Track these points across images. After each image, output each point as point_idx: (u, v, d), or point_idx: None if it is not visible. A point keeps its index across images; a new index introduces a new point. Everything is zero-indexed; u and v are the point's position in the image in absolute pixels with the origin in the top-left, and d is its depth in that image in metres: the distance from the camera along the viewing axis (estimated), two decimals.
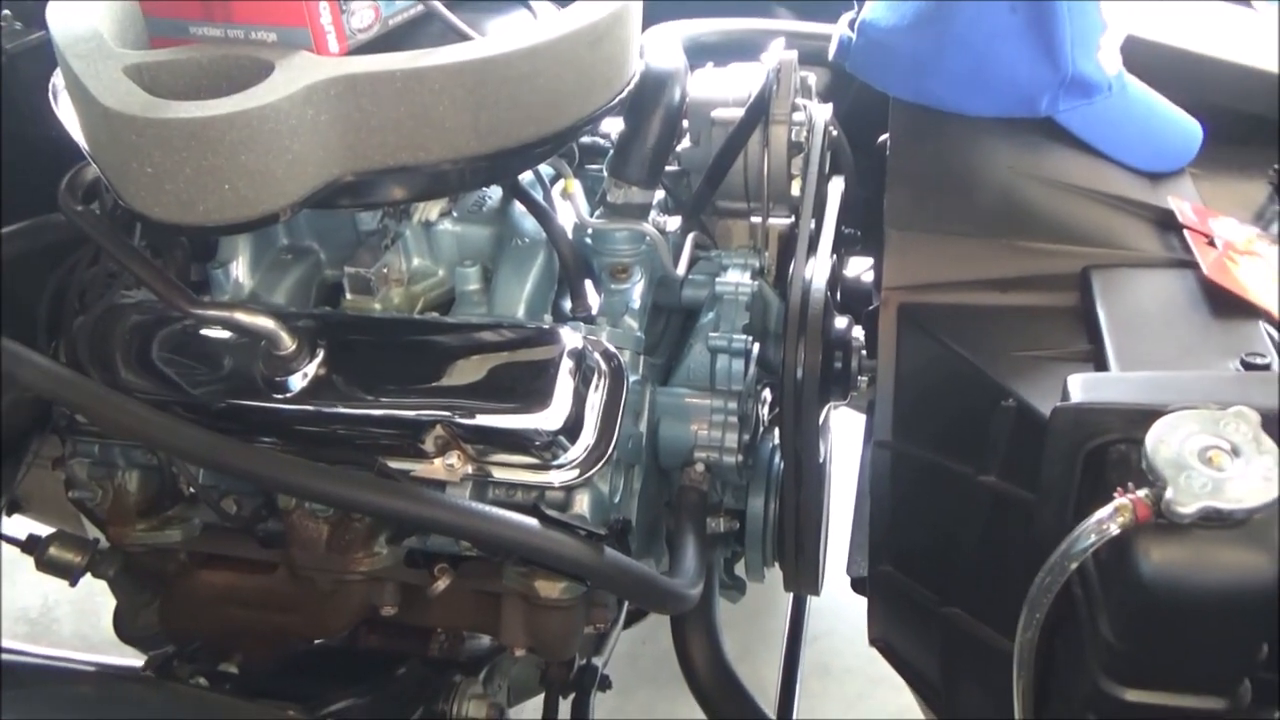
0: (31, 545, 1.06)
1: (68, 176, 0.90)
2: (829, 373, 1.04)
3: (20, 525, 1.26)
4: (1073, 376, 0.59)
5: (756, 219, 1.16)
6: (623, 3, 0.90)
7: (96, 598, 1.69)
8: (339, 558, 0.92)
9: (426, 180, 0.85)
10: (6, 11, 1.02)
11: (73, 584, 1.09)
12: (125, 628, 1.07)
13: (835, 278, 1.00)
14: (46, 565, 1.06)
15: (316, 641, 1.07)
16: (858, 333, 1.07)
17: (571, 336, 0.88)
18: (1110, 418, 0.57)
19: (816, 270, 1.00)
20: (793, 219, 1.15)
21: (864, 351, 1.04)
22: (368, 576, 0.94)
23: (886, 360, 0.77)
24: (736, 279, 1.05)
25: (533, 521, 0.77)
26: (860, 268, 1.24)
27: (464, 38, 0.84)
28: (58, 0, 0.86)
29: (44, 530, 1.12)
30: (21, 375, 0.84)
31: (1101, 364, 0.64)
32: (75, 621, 1.67)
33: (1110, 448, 0.57)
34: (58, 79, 0.91)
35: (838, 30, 1.00)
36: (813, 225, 1.06)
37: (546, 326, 0.91)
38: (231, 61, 0.78)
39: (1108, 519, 0.53)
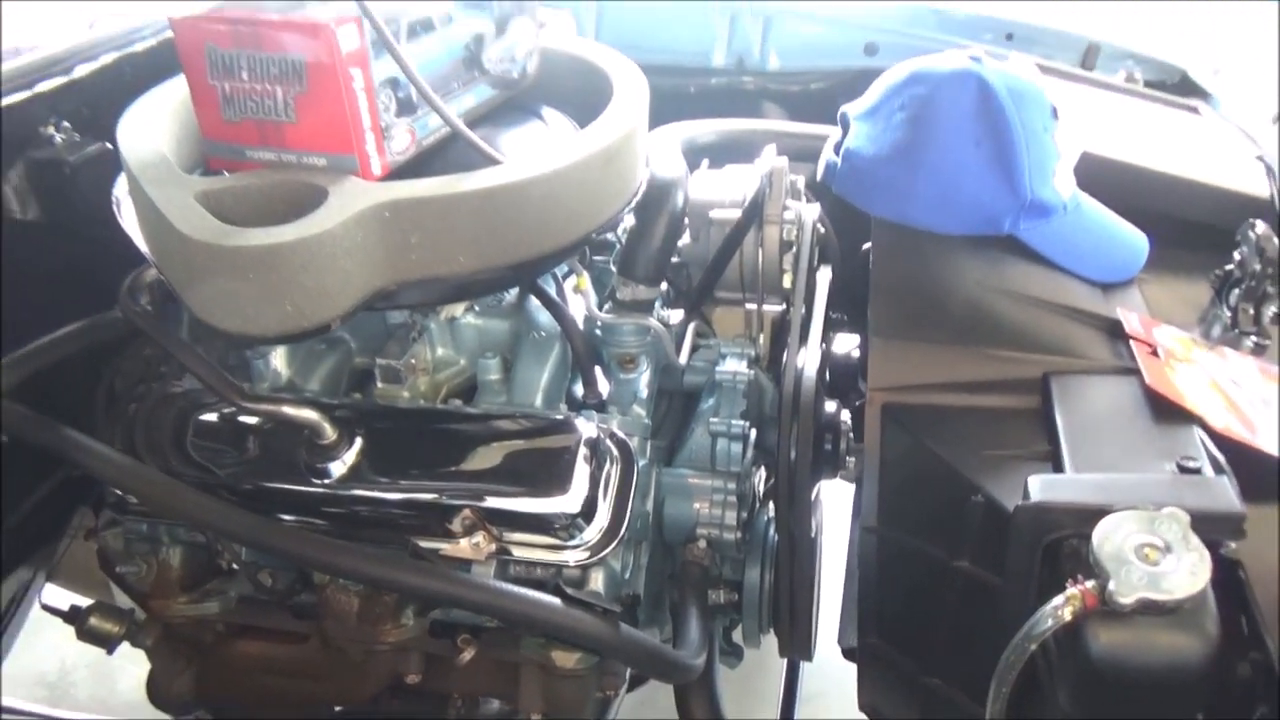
0: (73, 616, 1.13)
1: (129, 280, 0.99)
2: (820, 454, 1.13)
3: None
4: (1032, 477, 0.69)
5: (750, 306, 1.26)
6: (634, 123, 1.01)
7: (112, 662, 1.74)
8: (369, 629, 0.99)
9: (457, 287, 0.95)
10: (65, 124, 1.12)
11: (109, 652, 1.16)
12: (160, 694, 1.14)
13: (824, 358, 1.09)
14: (87, 635, 1.13)
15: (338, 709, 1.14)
16: (846, 417, 1.16)
17: (586, 426, 0.97)
18: (1064, 516, 0.66)
19: (808, 359, 1.10)
20: (784, 306, 1.26)
21: (851, 435, 1.14)
22: (395, 647, 1.02)
23: (872, 453, 0.86)
24: (734, 368, 1.15)
25: (555, 600, 0.86)
26: (848, 345, 1.33)
27: (491, 161, 0.94)
28: (126, 119, 0.96)
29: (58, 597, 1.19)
30: (88, 464, 0.92)
31: (1058, 464, 0.73)
32: (92, 685, 1.72)
33: (1065, 542, 0.66)
34: (121, 190, 1.00)
35: (824, 156, 1.10)
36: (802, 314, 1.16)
37: (563, 417, 1.00)
38: (288, 187, 0.87)
39: (1061, 606, 0.62)
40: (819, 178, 1.10)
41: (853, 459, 1.15)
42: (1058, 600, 0.62)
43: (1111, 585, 0.60)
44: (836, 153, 1.06)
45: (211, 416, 1.01)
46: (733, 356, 1.17)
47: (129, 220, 0.97)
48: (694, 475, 1.10)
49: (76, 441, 0.92)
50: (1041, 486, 0.68)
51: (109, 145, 1.10)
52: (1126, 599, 0.60)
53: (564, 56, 1.17)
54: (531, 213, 0.92)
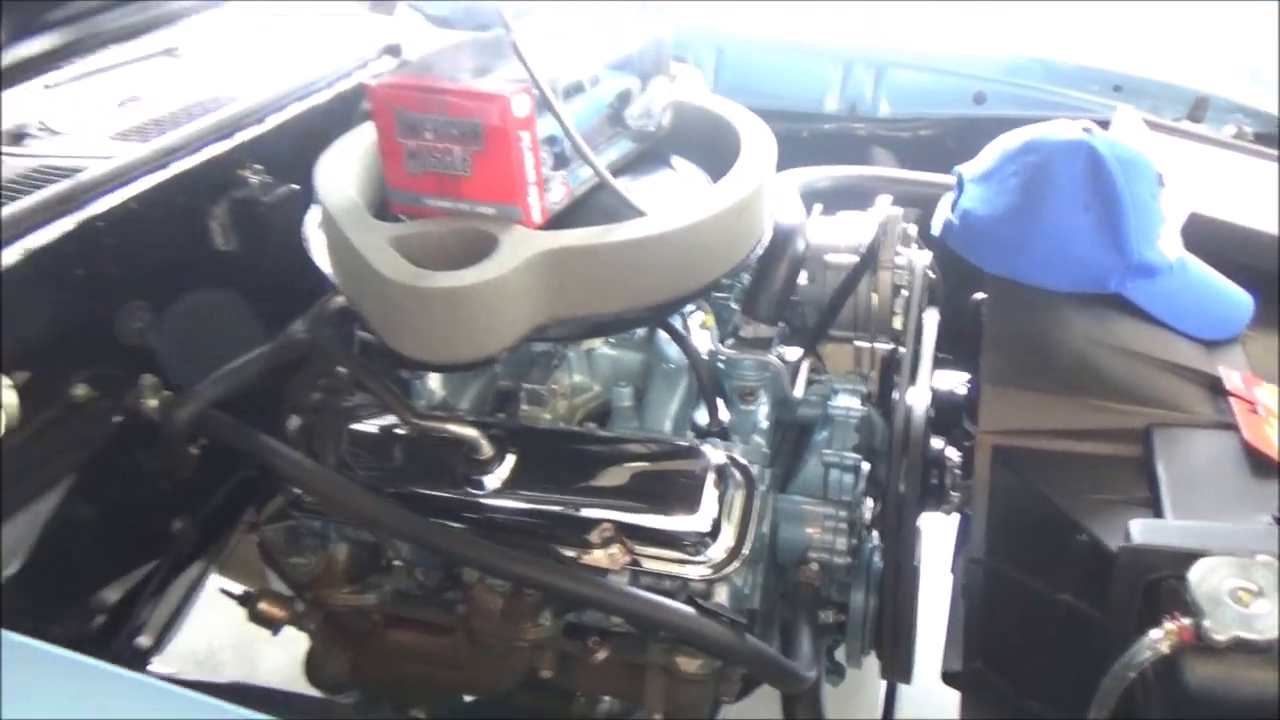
0: (245, 600, 1.28)
1: (316, 308, 1.13)
2: (926, 488, 1.21)
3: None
4: (1134, 521, 0.76)
5: (860, 344, 1.35)
6: (763, 178, 1.11)
7: (255, 644, 1.92)
8: (511, 626, 1.10)
9: (602, 325, 1.06)
10: (259, 167, 1.27)
11: (274, 633, 1.30)
12: (317, 673, 1.27)
13: (931, 396, 1.17)
14: (257, 617, 1.27)
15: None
16: (952, 453, 1.24)
17: (714, 453, 1.07)
18: (1164, 558, 0.73)
19: (917, 398, 1.18)
20: (892, 346, 1.34)
21: (958, 471, 1.21)
22: (532, 644, 1.13)
23: (980, 491, 0.94)
24: (847, 403, 1.24)
25: (689, 608, 0.96)
26: (952, 383, 1.40)
27: (636, 212, 1.05)
28: (322, 165, 1.10)
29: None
30: (280, 466, 1.06)
31: (1159, 510, 0.80)
32: (237, 664, 1.89)
33: (1163, 581, 0.73)
34: (311, 227, 1.14)
35: (939, 214, 1.19)
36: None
37: (693, 444, 1.10)
38: (464, 234, 1.00)
39: (1160, 639, 0.69)
40: (936, 234, 1.19)
41: (956, 494, 1.22)
42: (1156, 634, 0.69)
43: (1207, 623, 0.67)
44: (953, 211, 1.14)
45: (371, 428, 1.14)
46: (845, 393, 1.25)
47: (319, 254, 1.11)
48: (808, 502, 1.18)
49: (271, 447, 1.06)
50: (1143, 530, 0.75)
51: (295, 187, 1.25)
52: (1221, 636, 0.67)
53: (693, 109, 1.27)
54: (673, 260, 1.02)
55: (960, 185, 1.14)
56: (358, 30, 1.63)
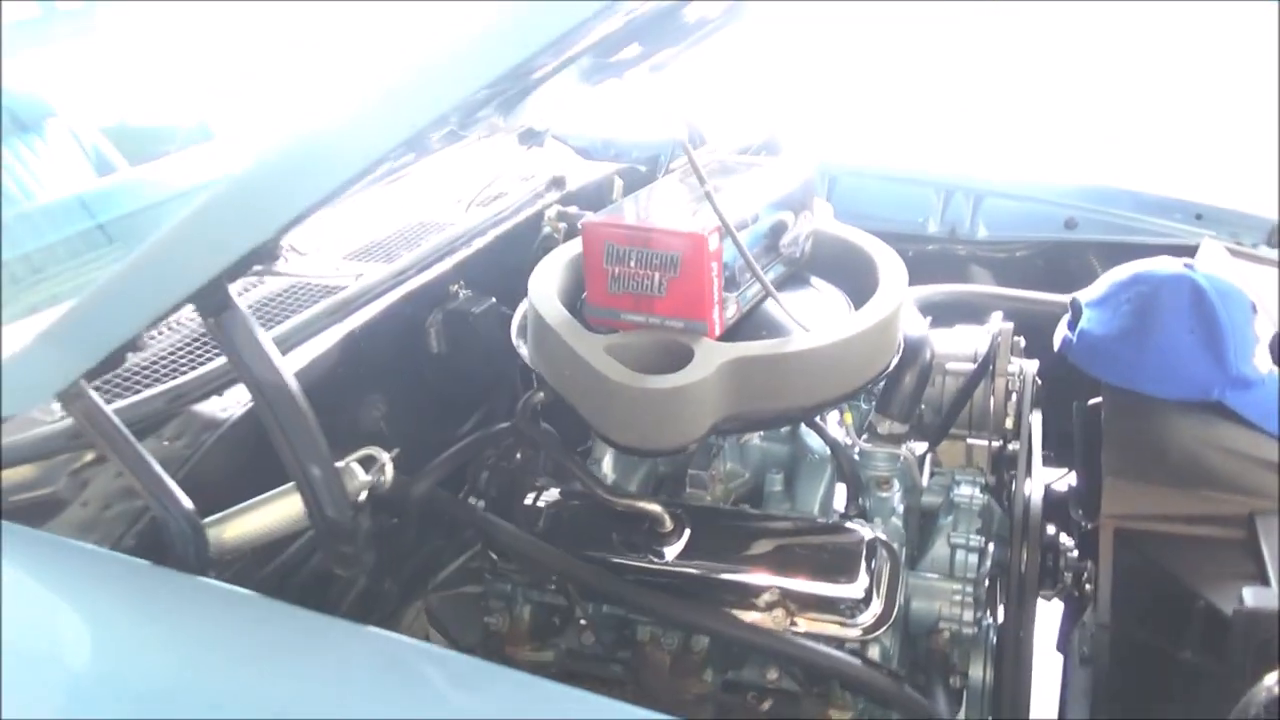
0: None
1: (522, 402, 1.35)
2: (1042, 569, 1.37)
3: None
4: (1247, 589, 0.92)
5: (972, 441, 1.53)
6: (900, 299, 1.32)
7: None
8: (678, 681, 1.27)
9: (770, 420, 1.26)
10: (462, 282, 1.52)
11: None
12: None
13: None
14: None
15: None
16: (1064, 539, 1.40)
17: (865, 530, 1.25)
18: (1273, 620, 0.89)
19: (1034, 488, 1.35)
20: (1002, 443, 1.51)
21: (1072, 553, 1.37)
22: (696, 697, 1.30)
23: (1105, 566, 1.10)
24: (970, 492, 1.41)
25: (855, 659, 1.12)
26: (1051, 477, 1.56)
27: (801, 327, 1.26)
28: (536, 281, 1.33)
29: None
30: (496, 536, 1.26)
31: (1264, 581, 0.95)
32: None
33: (1273, 640, 0.89)
34: (519, 329, 1.36)
35: (1060, 332, 1.38)
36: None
37: (845, 523, 1.28)
38: (662, 344, 1.21)
39: (1274, 685, 0.85)
40: (1056, 349, 1.38)
41: (1069, 573, 1.37)
42: (1271, 679, 0.85)
43: None
44: (1071, 330, 1.33)
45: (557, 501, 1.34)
46: (966, 483, 1.42)
47: (530, 356, 1.32)
48: (937, 579, 1.35)
49: (489, 519, 1.26)
50: (1254, 595, 0.91)
51: (494, 300, 1.49)
52: None
53: (830, 237, 1.49)
54: (833, 367, 1.22)
55: (1076, 308, 1.34)
56: (526, 163, 1.90)
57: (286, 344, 1.29)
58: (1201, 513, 1.06)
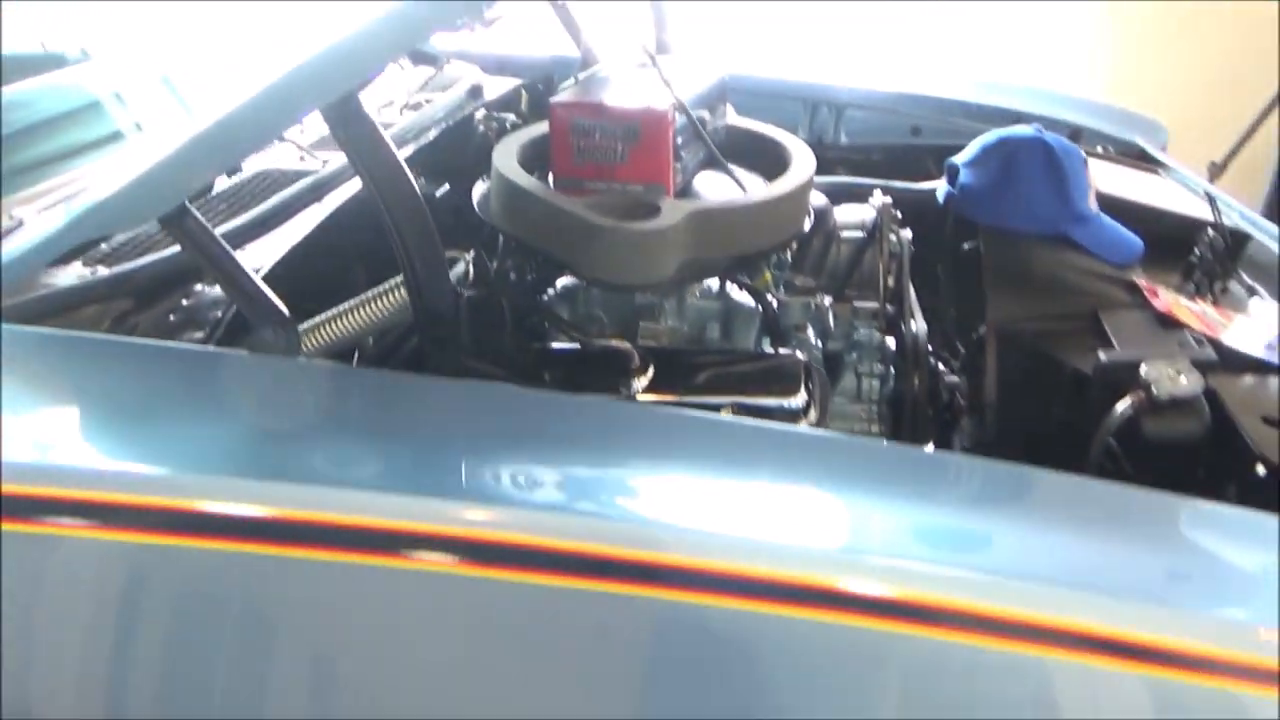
0: None
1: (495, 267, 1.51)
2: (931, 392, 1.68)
3: None
4: (1101, 352, 1.24)
5: (858, 303, 1.83)
6: (812, 169, 1.58)
7: None
8: None
9: (719, 265, 1.49)
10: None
11: None
12: None
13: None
14: None
15: None
16: (942, 366, 1.72)
17: (802, 357, 1.50)
18: (1122, 366, 1.21)
19: (918, 327, 1.65)
20: (883, 302, 1.82)
21: (950, 376, 1.69)
22: None
23: (991, 360, 1.41)
24: (869, 332, 1.70)
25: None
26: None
27: (740, 188, 1.49)
28: (500, 157, 1.48)
29: None
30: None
31: (1109, 348, 1.28)
32: None
33: (1122, 381, 1.21)
34: (480, 203, 1.52)
35: (941, 190, 1.69)
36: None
37: (785, 354, 1.53)
38: (630, 201, 1.41)
39: (1126, 406, 1.17)
40: (941, 202, 1.68)
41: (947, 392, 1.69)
42: (1123, 403, 1.17)
43: (1154, 390, 1.15)
44: (952, 185, 1.64)
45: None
46: (865, 328, 1.72)
47: (503, 221, 1.48)
48: (847, 402, 1.63)
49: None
50: (1106, 355, 1.23)
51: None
52: (1163, 396, 1.15)
53: (740, 129, 1.74)
54: (769, 220, 1.47)
55: (953, 169, 1.65)
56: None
57: (275, 220, 1.39)
58: (1059, 312, 1.38)
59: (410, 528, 0.83)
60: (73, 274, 1.17)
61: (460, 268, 1.49)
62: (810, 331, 1.65)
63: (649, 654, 0.85)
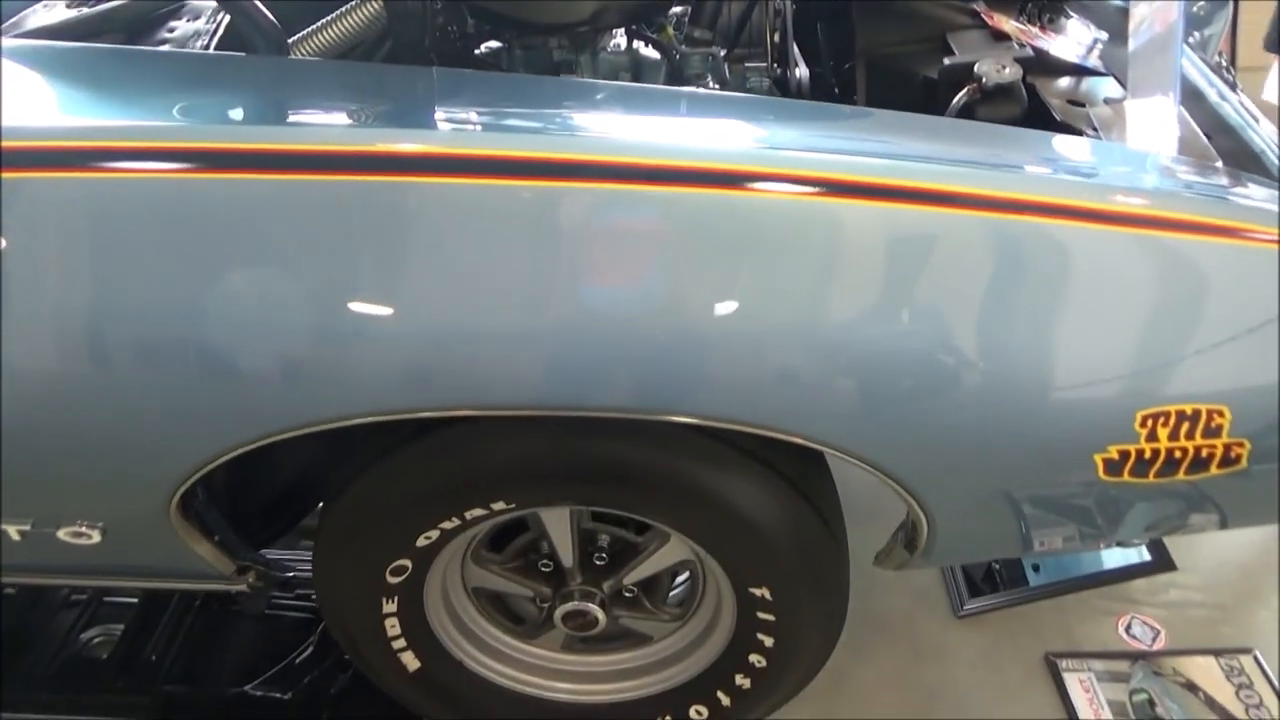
0: None
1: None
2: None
3: None
4: (945, 59, 1.51)
5: (749, 64, 2.06)
6: None
7: None
8: None
9: (633, 13, 1.70)
10: None
11: None
12: None
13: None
14: None
15: None
16: None
17: None
18: (961, 67, 1.49)
19: (800, 73, 1.91)
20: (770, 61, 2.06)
21: None
22: None
23: (861, 84, 1.67)
24: (761, 80, 1.95)
25: None
26: None
27: None
28: None
29: None
30: None
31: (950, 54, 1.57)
32: None
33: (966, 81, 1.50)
34: None
35: None
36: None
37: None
38: None
39: (971, 88, 1.45)
40: None
41: None
42: (963, 93, 1.45)
43: (984, 80, 1.44)
44: None
45: None
46: (757, 75, 1.96)
47: None
48: None
49: None
50: (949, 60, 1.51)
51: None
52: (990, 84, 1.43)
53: None
54: None
55: None
56: None
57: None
58: (918, 37, 1.66)
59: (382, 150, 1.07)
60: (59, 13, 1.31)
61: None
62: (710, 80, 1.89)
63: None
